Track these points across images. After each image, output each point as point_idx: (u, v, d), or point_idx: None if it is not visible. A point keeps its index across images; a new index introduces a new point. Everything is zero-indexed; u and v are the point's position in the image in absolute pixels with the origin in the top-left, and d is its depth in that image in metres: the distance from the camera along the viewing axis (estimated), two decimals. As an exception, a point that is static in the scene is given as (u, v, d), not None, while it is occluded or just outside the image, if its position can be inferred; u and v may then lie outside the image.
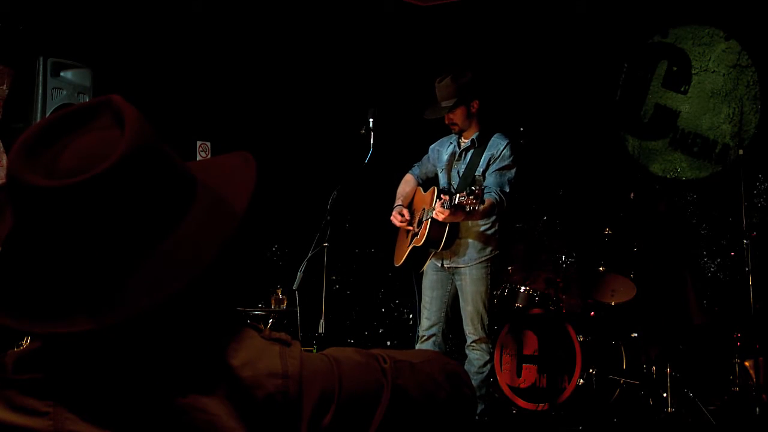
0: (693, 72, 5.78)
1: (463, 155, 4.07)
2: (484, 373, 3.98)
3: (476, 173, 3.96)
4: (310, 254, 4.08)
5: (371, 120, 4.08)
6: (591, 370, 4.43)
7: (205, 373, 0.84)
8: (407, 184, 4.35)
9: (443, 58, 6.05)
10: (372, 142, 4.16)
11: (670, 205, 4.69)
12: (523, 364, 4.53)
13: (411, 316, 5.83)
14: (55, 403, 0.82)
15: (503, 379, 4.55)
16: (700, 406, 4.15)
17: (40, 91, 4.46)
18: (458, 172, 4.04)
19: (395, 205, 4.25)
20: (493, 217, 3.98)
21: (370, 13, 5.86)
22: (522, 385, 4.49)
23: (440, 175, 4.19)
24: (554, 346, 4.47)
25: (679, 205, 5.42)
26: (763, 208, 4.99)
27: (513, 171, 3.93)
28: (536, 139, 5.47)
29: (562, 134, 5.88)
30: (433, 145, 4.30)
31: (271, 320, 5.35)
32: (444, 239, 3.92)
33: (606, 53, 5.94)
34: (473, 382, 3.93)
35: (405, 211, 4.17)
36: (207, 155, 5.84)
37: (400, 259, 4.21)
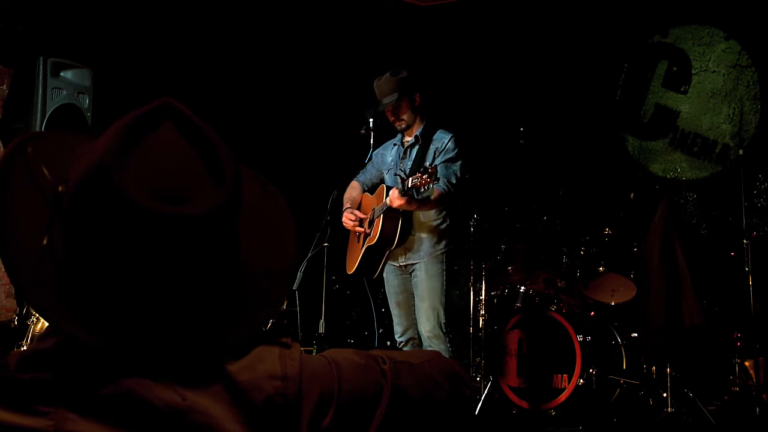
0: (693, 72, 5.79)
1: (408, 152, 4.05)
2: None
3: (423, 167, 3.94)
4: (310, 254, 4.08)
5: (371, 120, 4.08)
6: (591, 370, 4.43)
7: (204, 376, 0.85)
8: (353, 189, 4.29)
9: (443, 58, 6.05)
10: (372, 142, 4.16)
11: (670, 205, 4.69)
12: (523, 364, 4.53)
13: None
14: (57, 403, 0.82)
15: (503, 379, 4.54)
16: (700, 406, 4.15)
17: (40, 91, 4.46)
18: (404, 171, 4.01)
19: (344, 209, 4.18)
20: (444, 212, 3.98)
21: (370, 13, 5.86)
22: (522, 385, 4.49)
23: (387, 176, 4.16)
24: (554, 346, 4.46)
25: (679, 205, 5.42)
26: (763, 208, 4.99)
27: (459, 163, 3.90)
28: (536, 139, 5.47)
29: (562, 134, 5.88)
30: (376, 151, 4.26)
31: (271, 320, 5.35)
32: (398, 234, 3.88)
33: (606, 53, 5.95)
34: None
35: (356, 212, 4.11)
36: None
37: (353, 266, 4.13)
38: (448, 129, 4.03)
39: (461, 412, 0.98)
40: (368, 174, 4.30)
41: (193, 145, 0.85)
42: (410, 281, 4.07)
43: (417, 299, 3.99)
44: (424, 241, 3.97)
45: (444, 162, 3.88)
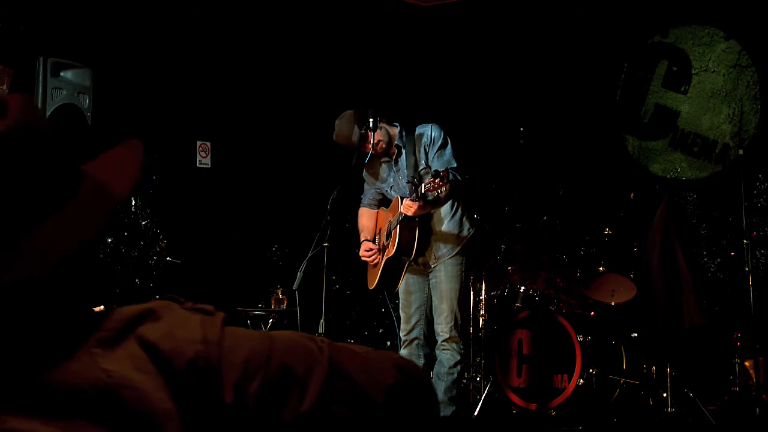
0: (693, 72, 5.79)
1: (398, 162, 4.03)
2: (455, 375, 3.95)
3: (420, 168, 3.90)
4: (310, 254, 4.07)
5: (371, 120, 4.07)
6: (591, 370, 4.43)
7: (124, 347, 0.84)
8: (363, 216, 4.31)
9: (443, 58, 6.06)
10: (372, 142, 4.15)
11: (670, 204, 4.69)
12: (523, 364, 4.53)
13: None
14: None
15: (503, 379, 4.54)
16: (700, 406, 4.15)
17: (40, 91, 4.45)
18: (407, 179, 3.98)
19: (361, 240, 4.21)
20: (458, 208, 3.98)
21: (370, 13, 5.87)
22: (522, 385, 4.49)
23: (392, 193, 4.14)
24: (554, 346, 4.47)
25: (679, 205, 5.42)
26: (763, 208, 4.99)
27: (449, 147, 3.89)
28: (536, 139, 5.47)
29: (563, 134, 5.88)
30: (364, 173, 4.25)
31: (271, 320, 5.35)
32: (416, 243, 3.87)
33: (606, 53, 5.95)
34: (443, 383, 3.92)
35: (369, 244, 4.14)
36: (207, 155, 5.84)
37: (374, 280, 4.14)
38: (440, 127, 3.98)
39: (419, 398, 0.98)
40: (369, 194, 4.30)
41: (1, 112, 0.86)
42: (426, 281, 4.06)
43: (435, 300, 3.99)
44: (443, 240, 3.98)
45: (437, 152, 3.87)
